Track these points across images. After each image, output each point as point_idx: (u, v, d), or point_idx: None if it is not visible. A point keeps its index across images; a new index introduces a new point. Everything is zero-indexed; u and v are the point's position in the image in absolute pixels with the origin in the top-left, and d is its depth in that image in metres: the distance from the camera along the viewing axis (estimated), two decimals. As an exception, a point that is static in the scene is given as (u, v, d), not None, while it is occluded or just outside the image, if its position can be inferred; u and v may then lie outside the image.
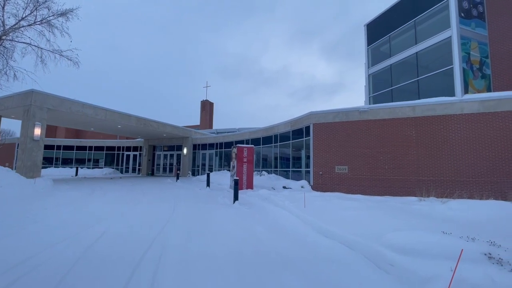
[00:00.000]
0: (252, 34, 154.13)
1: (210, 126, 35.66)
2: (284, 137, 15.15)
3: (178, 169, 22.07)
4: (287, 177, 14.59)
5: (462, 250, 2.96)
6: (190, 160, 23.55)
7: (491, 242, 3.62)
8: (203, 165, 23.15)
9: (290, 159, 14.62)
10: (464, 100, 9.77)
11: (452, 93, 10.89)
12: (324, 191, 11.18)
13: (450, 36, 11.24)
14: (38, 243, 4.01)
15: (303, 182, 12.40)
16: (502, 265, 3.03)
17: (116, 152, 27.88)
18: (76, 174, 21.11)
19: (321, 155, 11.93)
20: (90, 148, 28.12)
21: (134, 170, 27.19)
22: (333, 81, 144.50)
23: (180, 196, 9.76)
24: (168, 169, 25.43)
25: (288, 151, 14.84)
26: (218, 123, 74.90)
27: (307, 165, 12.83)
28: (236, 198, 8.11)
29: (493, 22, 12.01)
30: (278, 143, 15.63)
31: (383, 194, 10.31)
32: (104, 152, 27.98)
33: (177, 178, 16.91)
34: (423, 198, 8.44)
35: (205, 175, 13.43)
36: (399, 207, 7.14)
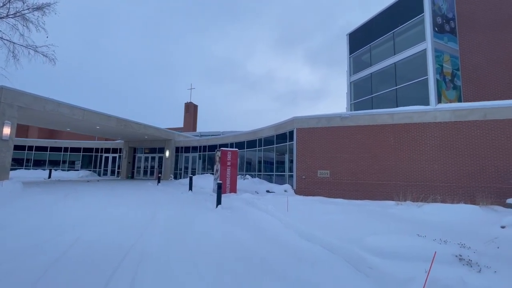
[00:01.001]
0: (237, 38, 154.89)
1: (194, 129, 35.18)
2: (268, 141, 15.24)
3: (160, 172, 21.49)
4: (270, 181, 14.65)
5: (435, 252, 3.11)
6: (173, 163, 23.04)
7: (462, 244, 3.83)
8: (186, 168, 22.72)
9: (274, 163, 14.71)
10: (437, 109, 10.35)
11: (426, 102, 11.50)
12: (307, 195, 11.33)
13: (425, 49, 11.90)
14: (1, 251, 3.73)
15: (286, 186, 12.51)
16: (471, 266, 3.21)
17: (94, 153, 26.72)
18: (49, 177, 19.95)
19: (304, 159, 12.11)
20: (66, 149, 26.75)
21: (113, 173, 26.16)
22: (316, 87, 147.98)
23: (161, 200, 9.49)
24: (149, 172, 24.71)
25: (272, 155, 14.93)
26: (202, 126, 74.06)
27: (291, 169, 12.97)
28: (219, 202, 8.02)
29: (463, 37, 12.87)
30: (262, 147, 15.69)
31: (363, 198, 10.61)
32: (81, 153, 26.71)
33: (159, 182, 16.47)
34: (400, 202, 8.78)
35: (188, 179, 13.17)
36: (378, 211, 7.38)
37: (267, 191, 12.48)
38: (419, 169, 10.18)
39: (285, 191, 12.11)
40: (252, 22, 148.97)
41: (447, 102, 11.66)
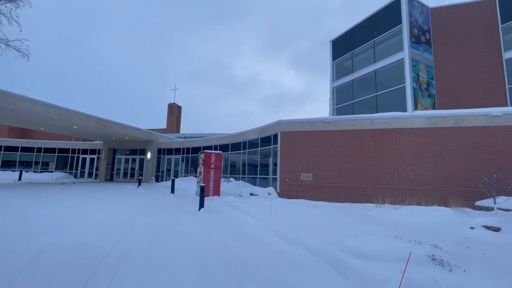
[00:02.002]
0: (224, 40, 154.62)
1: (177, 130, 34.57)
2: (252, 144, 15.27)
3: (141, 175, 20.86)
4: (254, 183, 14.66)
5: (410, 253, 3.25)
6: (154, 165, 22.46)
7: (435, 245, 4.02)
8: (168, 170, 22.23)
9: (258, 166, 14.75)
10: (414, 116, 10.87)
11: (404, 109, 12.04)
12: (290, 198, 11.45)
13: (403, 58, 12.50)
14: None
15: (270, 189, 12.57)
16: (443, 266, 3.38)
17: (70, 154, 25.48)
18: (20, 179, 18.77)
19: (287, 162, 12.25)
20: (39, 149, 25.31)
21: (90, 175, 25.06)
22: (301, 91, 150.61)
23: (142, 203, 9.21)
24: (129, 174, 23.91)
25: (256, 158, 14.97)
26: (186, 127, 72.70)
27: (274, 172, 13.06)
28: (201, 205, 7.91)
29: (437, 49, 13.65)
30: (247, 150, 15.70)
31: (344, 200, 10.88)
32: (56, 154, 25.38)
33: (139, 184, 15.97)
34: (379, 205, 9.10)
35: (170, 181, 12.89)
36: (358, 214, 7.60)
37: (251, 194, 12.47)
38: (397, 173, 10.61)
39: (269, 194, 12.17)
40: (239, 25, 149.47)
41: (422, 109, 12.27)
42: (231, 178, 15.66)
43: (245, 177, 15.58)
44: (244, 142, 15.96)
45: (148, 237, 4.87)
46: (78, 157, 25.40)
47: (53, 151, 25.40)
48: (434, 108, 12.95)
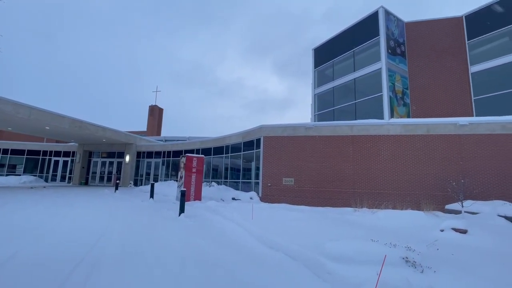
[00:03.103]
0: (207, 43, 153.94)
1: (158, 133, 33.74)
2: (235, 148, 15.23)
3: (118, 179, 20.04)
4: (237, 188, 14.59)
5: (385, 256, 3.38)
6: (133, 168, 21.69)
7: (408, 248, 4.21)
8: (148, 174, 21.55)
9: (241, 170, 14.71)
10: (390, 123, 11.39)
11: (381, 117, 12.59)
12: (272, 202, 11.51)
13: (380, 68, 13.12)
14: None
15: (252, 194, 12.56)
16: (415, 267, 3.55)
17: (41, 157, 23.99)
18: (-18, 183, 17.37)
19: (270, 167, 12.33)
20: (5, 151, 23.62)
21: (63, 178, 23.71)
22: (284, 97, 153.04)
23: (118, 209, 8.84)
24: (106, 178, 22.89)
25: (239, 162, 14.94)
26: (167, 130, 71.25)
27: (257, 177, 13.09)
28: (182, 210, 7.73)
29: (411, 61, 14.48)
30: (229, 154, 15.62)
31: (325, 205, 11.11)
32: (25, 156, 23.79)
33: (116, 189, 15.33)
34: (357, 209, 9.38)
35: (149, 186, 12.51)
36: (338, 218, 7.79)
37: (233, 199, 12.39)
38: (374, 178, 11.02)
39: (251, 198, 12.15)
40: (223, 28, 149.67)
41: (398, 117, 12.90)
42: (213, 183, 15.48)
43: (227, 181, 15.47)
44: (227, 146, 15.88)
45: (123, 245, 4.67)
46: (50, 160, 23.97)
47: (22, 153, 23.80)
48: (408, 116, 13.65)
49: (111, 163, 22.98)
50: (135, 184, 21.28)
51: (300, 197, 11.63)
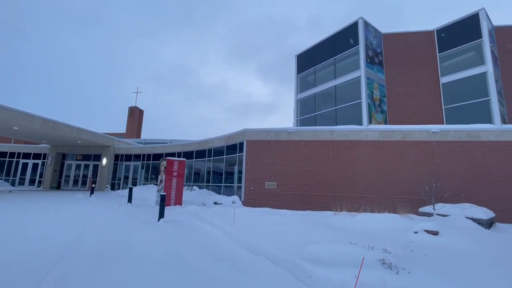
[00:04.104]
0: (190, 45, 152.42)
1: (138, 136, 32.72)
2: (218, 151, 15.10)
3: (94, 182, 19.12)
4: (219, 192, 14.43)
5: (363, 258, 3.48)
6: (110, 172, 20.81)
7: (385, 250, 4.36)
8: (126, 178, 20.76)
9: (223, 174, 14.58)
10: (369, 129, 11.83)
11: (360, 123, 13.05)
12: (255, 206, 11.49)
13: (360, 76, 13.64)
14: None
15: (235, 198, 12.48)
16: (391, 269, 3.68)
17: (7, 159, 22.38)
18: None
19: (253, 171, 12.34)
20: (-34, 152, 21.81)
21: (32, 182, 22.23)
22: (268, 101, 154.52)
23: (93, 214, 8.42)
24: (80, 182, 21.75)
25: (222, 166, 14.80)
26: (148, 133, 69.22)
27: (239, 181, 13.03)
28: (161, 215, 7.51)
29: (388, 70, 15.19)
30: (212, 158, 15.45)
31: (306, 208, 11.27)
32: (-11, 158, 22.10)
33: (92, 193, 14.59)
34: (337, 212, 9.59)
35: (127, 190, 12.05)
36: (318, 221, 7.92)
37: (215, 203, 12.23)
38: (353, 182, 11.36)
39: (233, 202, 12.06)
40: (206, 31, 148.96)
41: (376, 124, 13.43)
42: (194, 187, 15.20)
43: (209, 185, 15.27)
44: (210, 150, 15.71)
45: (97, 253, 4.44)
46: (17, 162, 22.42)
47: (-14, 155, 22.09)
48: (385, 123, 14.27)
49: (86, 166, 21.90)
50: (113, 188, 20.41)
51: (282, 201, 11.72)
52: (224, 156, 14.51)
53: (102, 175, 20.43)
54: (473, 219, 7.65)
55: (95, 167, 21.49)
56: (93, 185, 15.27)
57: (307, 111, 16.95)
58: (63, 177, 21.90)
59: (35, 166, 22.48)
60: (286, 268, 3.96)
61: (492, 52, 12.88)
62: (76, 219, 7.48)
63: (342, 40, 15.21)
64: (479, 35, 13.12)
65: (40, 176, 22.14)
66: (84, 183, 21.59)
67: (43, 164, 22.26)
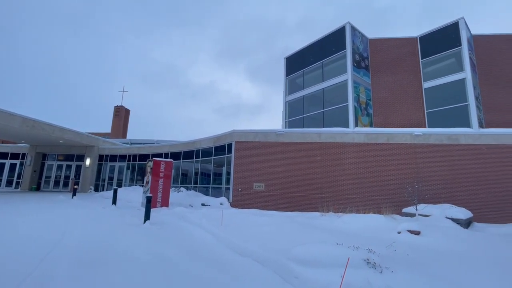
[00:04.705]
0: (179, 45, 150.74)
1: (124, 136, 31.93)
2: (206, 152, 14.97)
3: (77, 184, 18.44)
4: (207, 193, 14.30)
5: (349, 258, 3.54)
6: (94, 173, 20.17)
7: (369, 250, 4.46)
8: (111, 179, 20.19)
9: (211, 175, 14.47)
10: (355, 132, 12.10)
11: (347, 125, 13.31)
12: (243, 208, 11.46)
13: (346, 80, 13.93)
14: None
15: (223, 199, 12.40)
16: (375, 268, 3.77)
17: (-18, 159, 21.25)
18: None
19: (241, 172, 12.31)
20: None
21: (9, 183, 21.21)
22: (257, 102, 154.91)
23: (75, 216, 8.13)
24: (62, 183, 20.94)
25: (210, 167, 14.69)
26: (134, 133, 67.77)
27: (228, 182, 12.97)
28: (147, 217, 7.36)
29: (374, 74, 15.60)
30: (200, 159, 15.30)
31: (294, 210, 11.36)
32: (-38, 158, 20.90)
33: (74, 194, 14.08)
34: (324, 213, 9.73)
35: (112, 191, 11.72)
36: (306, 222, 8.00)
37: (203, 205, 12.11)
38: (340, 183, 11.56)
39: (221, 204, 11.99)
40: (196, 31, 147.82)
41: (362, 126, 13.75)
42: (182, 188, 14.99)
43: (197, 186, 15.10)
44: (198, 151, 15.55)
45: (78, 257, 4.29)
46: (-7, 162, 21.33)
47: (-42, 155, 20.88)
48: (371, 125, 14.63)
49: (68, 167, 21.12)
50: (96, 190, 19.79)
51: (270, 202, 11.75)
52: (212, 157, 14.41)
53: (86, 176, 19.78)
54: (453, 219, 7.97)
55: (78, 168, 20.77)
56: (75, 187, 14.75)
57: (296, 113, 17.12)
58: (43, 178, 21.03)
59: (12, 166, 21.48)
60: (273, 269, 3.98)
61: (470, 59, 13.50)
62: (57, 221, 7.19)
63: (330, 44, 15.49)
64: (459, 43, 13.72)
65: (18, 177, 21.16)
66: (66, 184, 20.80)
67: (21, 164, 21.29)
